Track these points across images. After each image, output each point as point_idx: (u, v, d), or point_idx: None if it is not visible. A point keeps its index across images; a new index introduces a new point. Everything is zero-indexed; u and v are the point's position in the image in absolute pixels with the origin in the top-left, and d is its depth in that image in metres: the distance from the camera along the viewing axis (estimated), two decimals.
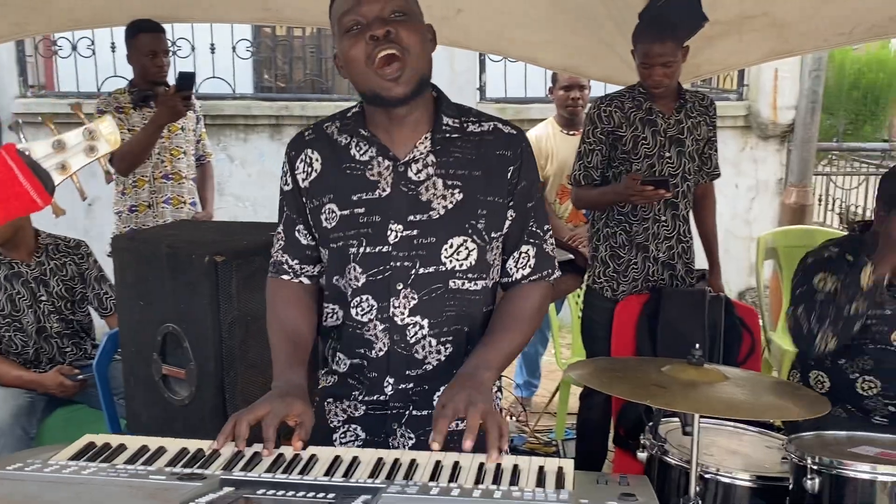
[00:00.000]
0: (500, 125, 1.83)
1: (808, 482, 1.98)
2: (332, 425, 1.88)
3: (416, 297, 1.76)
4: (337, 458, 1.62)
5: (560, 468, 1.56)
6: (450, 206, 1.75)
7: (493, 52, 5.32)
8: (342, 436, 1.87)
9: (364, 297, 1.78)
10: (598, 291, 3.35)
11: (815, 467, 1.99)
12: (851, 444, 2.13)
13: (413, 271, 1.75)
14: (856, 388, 2.63)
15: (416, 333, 1.78)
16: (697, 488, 2.12)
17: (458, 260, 1.76)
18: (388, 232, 1.75)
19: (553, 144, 4.29)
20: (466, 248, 1.76)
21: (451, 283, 1.77)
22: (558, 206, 4.31)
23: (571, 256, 3.54)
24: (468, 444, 1.55)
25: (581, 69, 4.08)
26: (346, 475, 1.54)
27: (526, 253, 1.84)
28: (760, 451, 2.40)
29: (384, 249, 1.75)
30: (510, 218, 1.81)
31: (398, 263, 1.75)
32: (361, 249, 1.76)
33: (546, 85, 4.59)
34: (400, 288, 1.76)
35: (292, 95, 6.40)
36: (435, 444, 1.57)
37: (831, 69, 8.10)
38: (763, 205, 6.27)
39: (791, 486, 2.07)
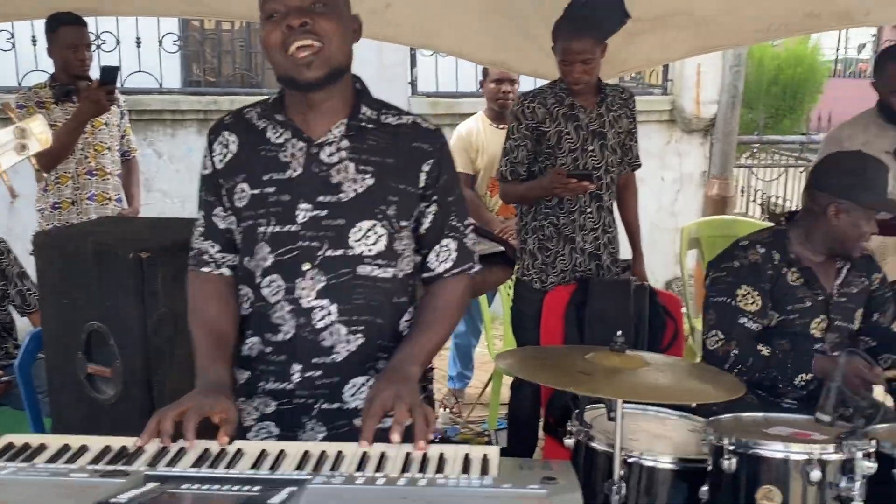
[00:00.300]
0: (419, 121, 1.86)
1: (725, 462, 2.05)
2: (245, 425, 1.87)
3: (323, 279, 1.77)
4: (263, 451, 1.62)
5: (485, 455, 1.60)
6: (360, 189, 1.77)
7: (423, 47, 5.35)
8: (255, 434, 1.86)
9: (273, 276, 1.79)
10: (527, 283, 3.40)
11: (731, 448, 2.06)
12: (767, 425, 2.21)
13: (320, 252, 1.77)
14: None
15: (323, 318, 1.79)
16: (622, 472, 2.18)
17: (366, 245, 1.78)
18: (297, 212, 1.76)
19: (484, 138, 4.34)
20: (375, 232, 1.78)
21: (359, 269, 1.79)
22: (489, 199, 4.36)
23: (502, 248, 3.59)
24: (395, 437, 1.58)
25: (510, 64, 4.14)
26: (272, 468, 1.55)
27: (447, 247, 1.87)
28: (684, 435, 2.48)
29: (292, 229, 1.76)
30: (431, 212, 1.84)
31: (305, 243, 1.76)
32: (270, 228, 1.77)
33: (478, 79, 4.63)
34: (306, 268, 1.77)
35: (221, 90, 6.32)
36: (364, 443, 1.59)
37: (752, 65, 8.35)
38: (688, 197, 6.43)
39: (710, 468, 2.14)
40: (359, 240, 1.78)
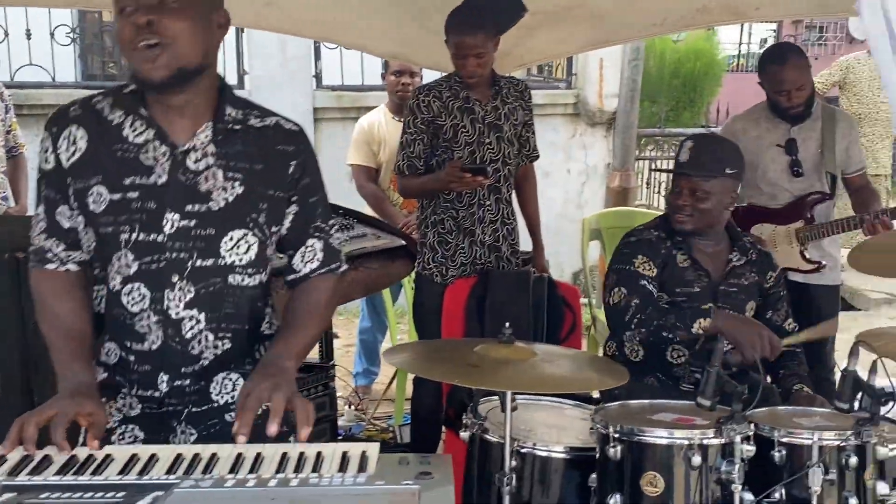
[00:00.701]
0: (281, 121, 1.83)
1: (611, 450, 2.08)
2: (108, 426, 1.81)
3: (192, 290, 1.73)
4: (134, 456, 1.57)
5: (363, 452, 1.58)
6: (230, 198, 1.73)
7: (323, 40, 5.28)
8: (120, 437, 1.80)
9: (136, 285, 1.73)
10: (427, 277, 3.39)
11: (616, 435, 2.09)
12: (652, 412, 2.25)
13: (189, 263, 1.72)
14: (666, 356, 2.77)
15: (192, 328, 1.75)
16: (514, 463, 2.19)
17: (237, 254, 1.75)
18: (164, 221, 1.70)
19: (386, 131, 4.31)
20: (247, 241, 1.75)
21: (230, 278, 1.76)
22: (392, 193, 4.33)
23: (403, 242, 3.58)
24: (273, 428, 1.55)
25: (411, 57, 4.12)
26: (141, 473, 1.50)
27: (312, 247, 1.85)
28: (577, 424, 2.51)
29: (158, 239, 1.70)
30: (293, 213, 1.81)
31: (174, 255, 1.71)
32: (134, 236, 1.71)
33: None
34: (175, 280, 1.72)
35: (120, 84, 6.10)
36: (241, 436, 1.55)
37: (653, 59, 8.54)
38: (593, 189, 6.53)
39: (598, 455, 2.17)
40: (230, 249, 1.74)
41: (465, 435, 2.44)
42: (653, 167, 7.00)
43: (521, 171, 3.49)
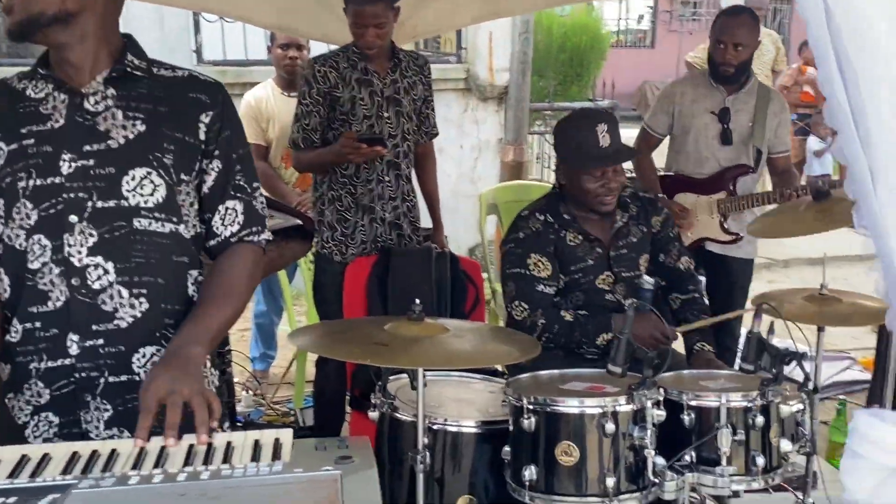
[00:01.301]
0: (196, 74, 1.77)
1: (525, 421, 2.06)
2: (20, 422, 1.68)
3: (94, 233, 1.62)
4: (24, 457, 1.44)
5: (277, 439, 1.50)
6: (131, 136, 1.65)
7: (204, 11, 5.05)
8: (34, 429, 1.68)
9: (37, 236, 1.62)
10: (326, 256, 3.30)
11: (530, 407, 2.07)
12: (563, 381, 2.25)
13: (89, 203, 1.62)
14: None
15: (99, 278, 1.63)
16: (426, 440, 2.15)
17: (142, 195, 1.65)
18: (61, 162, 1.62)
19: (274, 106, 4.16)
20: (151, 182, 1.66)
21: (136, 223, 1.65)
22: (284, 171, 4.20)
23: (299, 222, 3.46)
24: (169, 442, 1.43)
25: (299, 29, 3.97)
26: (33, 475, 1.38)
27: (233, 209, 1.76)
28: (486, 398, 2.49)
29: (56, 181, 1.62)
30: (214, 169, 1.72)
31: (72, 195, 1.62)
32: (31, 182, 1.62)
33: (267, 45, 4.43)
34: (74, 221, 1.62)
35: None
36: (139, 441, 1.44)
37: (541, 33, 8.61)
38: (486, 164, 6.54)
39: (511, 427, 2.15)
40: (133, 189, 1.64)
41: (374, 415, 2.39)
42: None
43: (420, 149, 3.42)
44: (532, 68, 6.44)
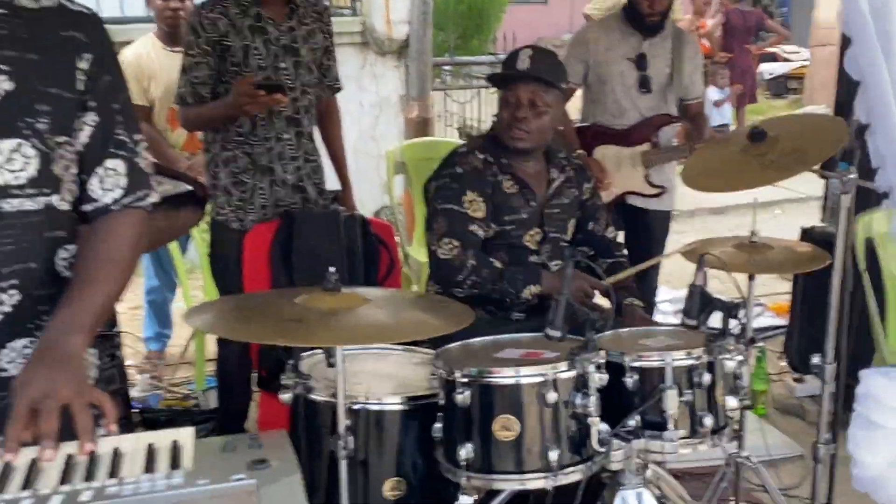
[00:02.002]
0: (66, 3, 1.45)
1: (459, 396, 1.87)
2: None
3: None
4: None
5: (174, 442, 1.25)
6: None
7: None
8: None
9: None
10: (223, 223, 3.00)
11: (464, 380, 1.88)
12: (496, 349, 2.06)
13: None
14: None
15: None
16: (348, 423, 1.93)
17: (11, 172, 1.37)
18: None
19: (156, 63, 3.79)
20: (23, 155, 1.37)
21: (4, 205, 1.37)
22: (170, 133, 3.85)
23: (190, 188, 3.14)
24: (45, 454, 1.17)
25: None
26: None
27: (114, 169, 1.48)
28: (409, 370, 2.29)
29: None
30: (92, 123, 1.44)
31: None
32: None
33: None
34: None
35: None
36: (7, 455, 1.18)
37: None
38: (388, 121, 6.27)
39: (443, 402, 1.96)
40: (1, 166, 1.36)
41: (286, 397, 2.15)
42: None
43: (322, 105, 3.15)
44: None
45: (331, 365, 2.11)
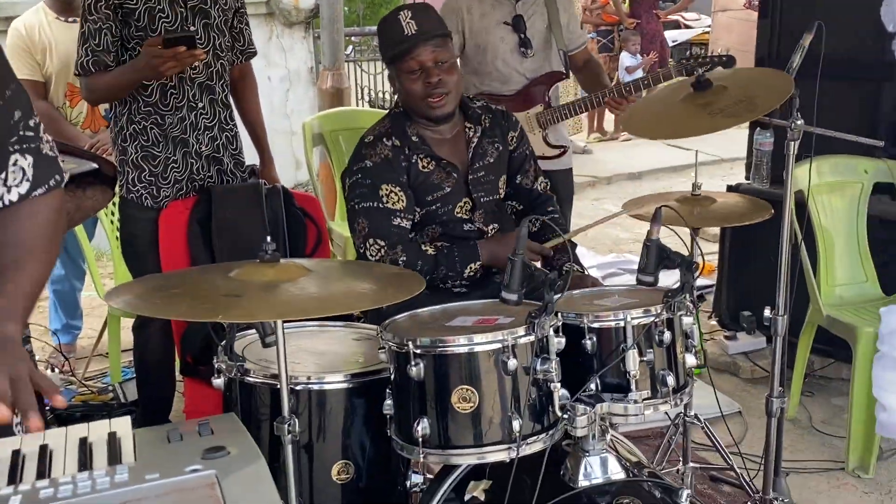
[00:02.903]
0: None
1: (413, 369, 1.75)
2: None
3: None
4: None
5: (112, 435, 1.09)
6: None
7: None
8: None
9: None
10: (135, 202, 2.79)
11: (417, 351, 1.76)
12: (448, 318, 1.94)
13: None
14: None
15: None
16: (291, 403, 1.79)
17: None
18: None
19: (50, 34, 3.50)
20: None
21: None
22: (69, 109, 3.57)
23: (95, 166, 2.91)
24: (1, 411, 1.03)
25: None
26: None
27: (18, 165, 1.34)
28: (346, 346, 2.16)
29: None
30: None
31: None
32: None
33: None
34: None
35: None
36: None
37: None
38: (299, 95, 6.07)
39: (393, 377, 1.83)
40: None
41: (218, 382, 1.99)
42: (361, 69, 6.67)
43: (237, 72, 2.95)
44: None
45: (266, 345, 1.96)
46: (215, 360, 2.02)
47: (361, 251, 2.40)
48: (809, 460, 3.06)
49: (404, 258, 2.36)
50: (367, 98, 7.28)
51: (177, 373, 2.98)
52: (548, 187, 2.73)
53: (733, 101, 2.08)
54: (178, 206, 2.82)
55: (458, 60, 2.58)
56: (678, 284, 1.88)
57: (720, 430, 2.81)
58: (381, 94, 7.33)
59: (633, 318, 1.86)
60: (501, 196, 2.63)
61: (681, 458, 2.63)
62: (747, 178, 3.85)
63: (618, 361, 1.85)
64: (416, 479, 1.96)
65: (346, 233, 3.80)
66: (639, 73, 7.96)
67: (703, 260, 1.85)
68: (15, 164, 1.32)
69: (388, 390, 1.87)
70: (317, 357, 2.09)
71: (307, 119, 4.16)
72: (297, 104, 6.00)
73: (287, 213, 2.93)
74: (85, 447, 1.07)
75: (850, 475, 2.96)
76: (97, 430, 1.12)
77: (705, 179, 7.20)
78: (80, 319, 3.93)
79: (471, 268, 2.42)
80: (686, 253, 1.97)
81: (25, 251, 1.30)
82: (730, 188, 3.77)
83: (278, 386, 1.84)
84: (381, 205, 2.39)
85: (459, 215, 2.52)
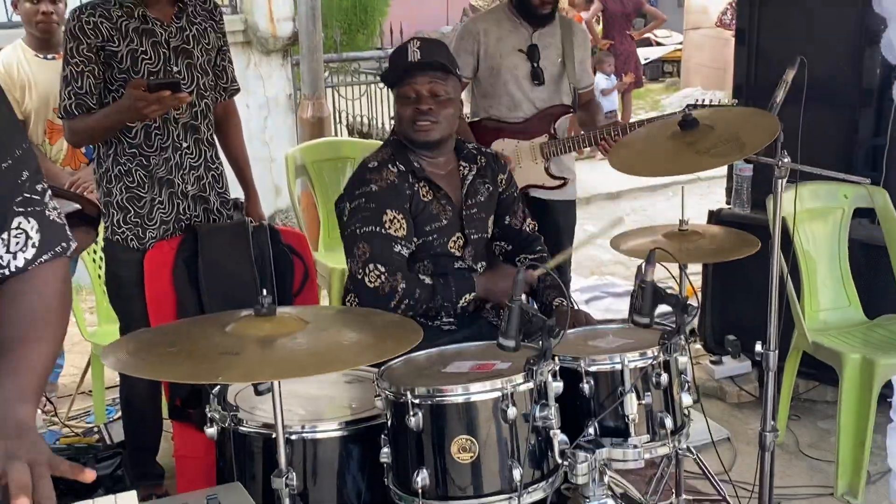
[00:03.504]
0: None
1: (412, 419, 1.74)
2: None
3: None
4: None
5: None
6: None
7: None
8: None
9: None
10: (120, 243, 2.75)
11: (416, 401, 1.75)
12: (443, 363, 1.94)
13: None
14: None
15: None
16: (287, 453, 1.78)
17: None
18: None
19: (28, 72, 3.47)
20: None
21: None
22: (49, 147, 3.53)
23: (78, 206, 2.87)
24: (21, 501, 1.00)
25: None
26: None
27: (21, 230, 1.28)
28: (342, 389, 2.14)
29: None
30: None
31: None
32: None
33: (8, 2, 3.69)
34: None
35: None
36: None
37: None
38: (277, 123, 6.04)
39: (390, 424, 1.82)
40: None
41: (211, 431, 1.98)
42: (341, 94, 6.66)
43: (220, 108, 2.93)
44: None
45: (259, 393, 1.95)
46: (207, 409, 2.00)
47: (359, 276, 2.37)
48: (799, 486, 3.08)
49: (403, 285, 2.34)
50: (345, 122, 7.26)
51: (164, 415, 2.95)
52: (535, 229, 2.74)
53: (720, 141, 2.10)
54: (164, 247, 2.78)
55: (460, 99, 2.60)
56: (671, 326, 1.88)
57: (710, 457, 2.82)
58: (358, 119, 7.31)
59: (630, 361, 1.87)
60: (489, 235, 2.64)
61: (673, 490, 2.63)
62: (727, 202, 3.88)
63: (616, 405, 1.85)
64: None
65: (331, 264, 3.81)
66: (614, 95, 8.01)
67: (694, 291, 1.84)
68: (18, 227, 1.27)
69: (383, 437, 1.86)
70: (309, 403, 2.07)
71: (289, 151, 4.15)
72: (276, 131, 5.98)
73: (274, 251, 2.91)
74: None
75: (839, 501, 2.97)
76: None
77: (666, 197, 7.23)
78: (62, 357, 3.88)
79: (465, 298, 2.42)
80: (675, 289, 1.99)
81: (34, 326, 1.25)
82: (711, 214, 3.80)
83: (273, 435, 1.84)
84: (383, 230, 2.38)
85: (452, 250, 2.53)
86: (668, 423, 1.88)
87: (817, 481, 3.10)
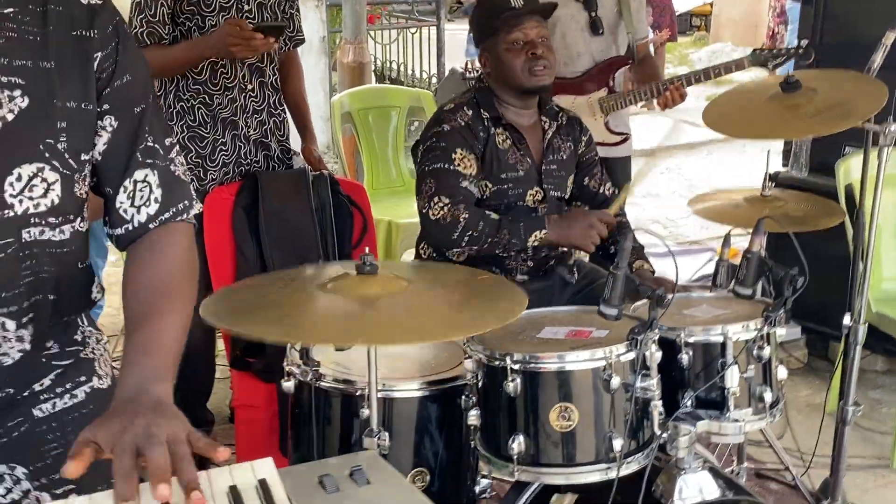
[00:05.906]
0: None
1: (510, 385, 1.69)
2: None
3: None
4: None
5: (261, 482, 1.03)
6: (10, 116, 1.10)
7: None
8: None
9: None
10: None
11: (515, 367, 1.69)
12: (535, 329, 1.88)
13: None
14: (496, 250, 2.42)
15: None
16: (365, 413, 1.74)
17: (31, 199, 1.13)
18: None
19: None
20: (45, 180, 1.14)
21: (25, 235, 1.14)
22: None
23: None
24: (162, 490, 0.95)
25: None
26: None
27: (145, 181, 1.23)
28: (419, 350, 2.09)
29: None
30: (108, 128, 1.20)
31: None
32: None
33: None
34: None
35: None
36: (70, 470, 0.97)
37: None
38: (309, 66, 5.89)
39: (481, 387, 1.77)
40: (19, 193, 1.12)
41: (289, 385, 1.93)
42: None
43: (283, 57, 2.85)
44: None
45: (340, 348, 1.91)
46: (285, 363, 1.95)
47: (424, 210, 2.33)
48: (853, 457, 3.05)
49: (466, 215, 2.28)
50: (375, 68, 7.13)
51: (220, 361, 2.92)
52: (615, 192, 2.67)
53: (825, 106, 2.01)
54: (223, 192, 2.72)
55: None
56: (774, 298, 1.83)
57: None
58: (389, 65, 7.16)
59: (734, 334, 1.81)
60: (567, 195, 2.57)
61: (735, 458, 2.61)
62: (784, 164, 3.79)
63: (717, 378, 1.81)
64: (485, 483, 1.92)
65: (376, 216, 3.73)
66: (650, 49, 7.83)
67: (807, 271, 1.77)
68: (144, 180, 1.22)
69: (465, 398, 1.81)
70: (389, 361, 2.02)
71: (335, 97, 4.05)
72: (310, 75, 5.82)
73: (334, 202, 2.84)
74: (236, 496, 1.01)
75: None
76: (242, 475, 1.05)
77: (701, 156, 7.12)
78: (102, 297, 3.82)
79: (535, 236, 2.33)
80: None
81: (165, 296, 1.20)
82: (769, 177, 3.71)
83: (356, 392, 1.81)
84: (452, 166, 2.33)
85: (529, 203, 2.46)
86: (768, 396, 1.83)
87: (872, 452, 3.08)
